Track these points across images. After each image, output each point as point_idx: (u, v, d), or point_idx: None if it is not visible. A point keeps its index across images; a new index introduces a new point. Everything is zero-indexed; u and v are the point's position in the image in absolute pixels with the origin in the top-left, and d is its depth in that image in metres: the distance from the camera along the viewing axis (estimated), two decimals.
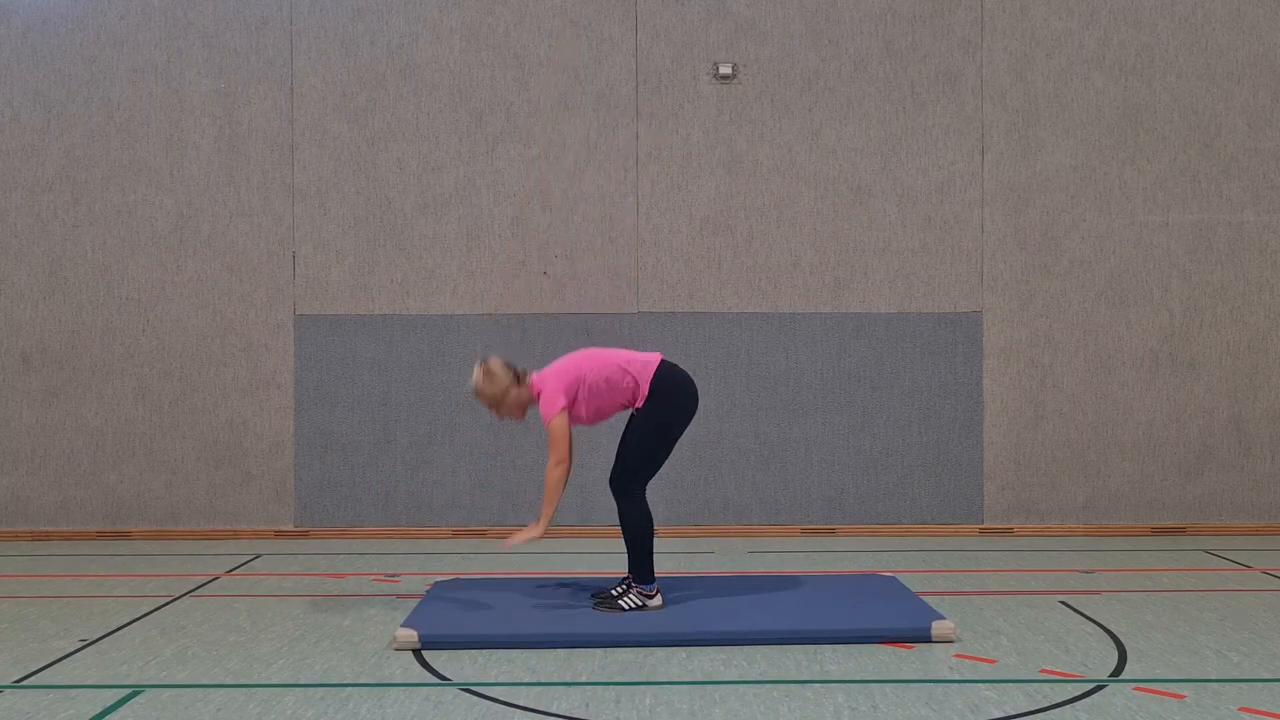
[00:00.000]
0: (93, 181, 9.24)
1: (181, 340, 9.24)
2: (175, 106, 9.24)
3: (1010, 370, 9.25)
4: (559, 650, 5.56)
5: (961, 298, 9.25)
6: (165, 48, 9.24)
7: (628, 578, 6.25)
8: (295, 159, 9.25)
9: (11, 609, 6.67)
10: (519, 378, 6.18)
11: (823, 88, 9.26)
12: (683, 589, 6.62)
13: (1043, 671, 5.22)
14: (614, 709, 4.70)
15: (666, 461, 6.37)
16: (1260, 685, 5.01)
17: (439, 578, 7.20)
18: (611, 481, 6.29)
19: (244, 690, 5.03)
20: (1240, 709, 4.66)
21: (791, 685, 5.00)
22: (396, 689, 5.01)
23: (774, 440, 9.22)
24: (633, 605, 6.14)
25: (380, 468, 9.22)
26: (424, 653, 5.55)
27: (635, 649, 5.58)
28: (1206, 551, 8.40)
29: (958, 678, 5.12)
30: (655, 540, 6.26)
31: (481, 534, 8.97)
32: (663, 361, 6.28)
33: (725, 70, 9.19)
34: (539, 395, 6.11)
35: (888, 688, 4.96)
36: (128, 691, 5.01)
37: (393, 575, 7.61)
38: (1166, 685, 5.00)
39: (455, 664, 5.37)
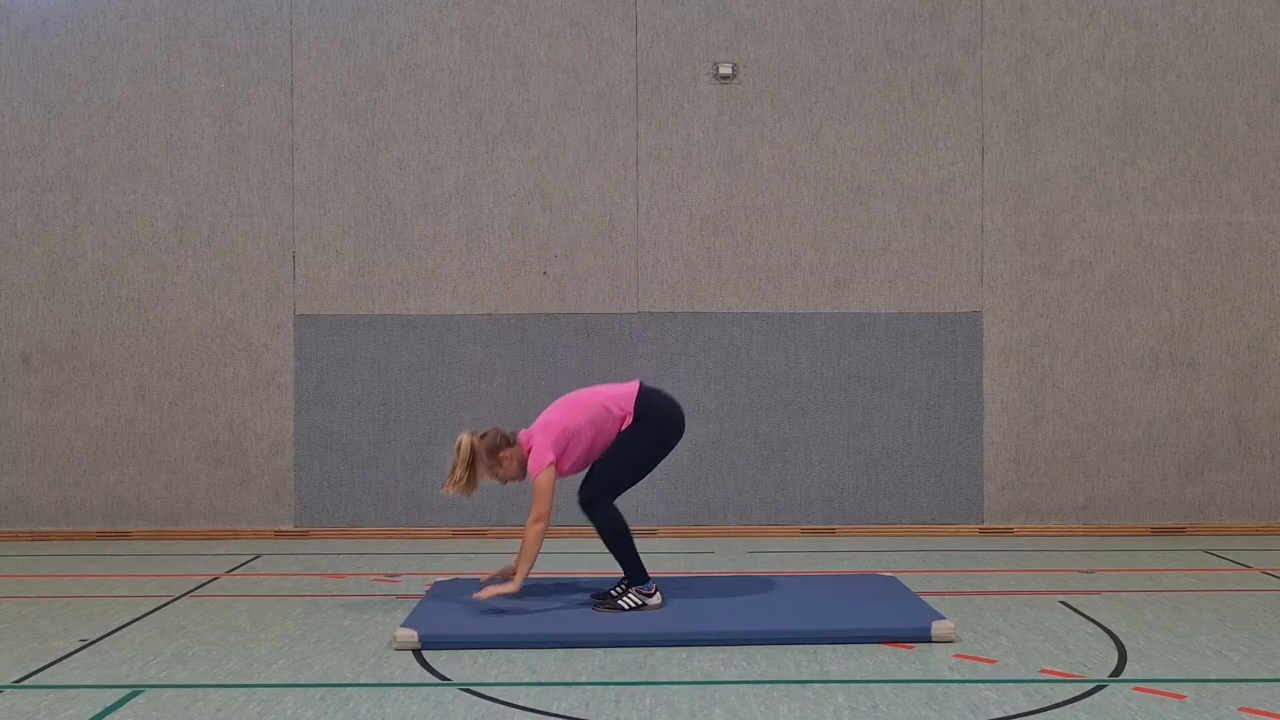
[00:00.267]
0: (93, 181, 9.24)
1: (181, 340, 9.24)
2: (175, 106, 9.24)
3: (1010, 370, 9.25)
4: (559, 650, 5.55)
5: (961, 298, 9.25)
6: (165, 48, 9.24)
7: (625, 579, 6.25)
8: (295, 159, 9.25)
9: (11, 609, 6.67)
10: (508, 441, 6.22)
11: (823, 88, 9.26)
12: (683, 589, 6.62)
13: (1043, 671, 5.22)
14: (614, 709, 4.70)
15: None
16: (1260, 685, 5.01)
17: (439, 578, 7.20)
18: (581, 497, 6.27)
19: (244, 690, 5.03)
20: (1240, 709, 4.66)
21: (791, 685, 5.00)
22: (396, 689, 5.01)
23: (774, 440, 9.22)
24: (632, 605, 6.14)
25: (380, 468, 9.22)
26: (424, 653, 5.55)
27: (635, 649, 5.58)
28: (1206, 551, 8.40)
29: (958, 678, 5.12)
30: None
31: (481, 534, 8.97)
32: (642, 386, 6.36)
33: (725, 70, 9.19)
34: (529, 452, 6.15)
35: (888, 688, 4.96)
36: (128, 691, 5.01)
37: (393, 575, 7.61)
38: (1166, 685, 5.00)
39: (455, 664, 5.36)
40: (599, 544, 6.11)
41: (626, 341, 9.21)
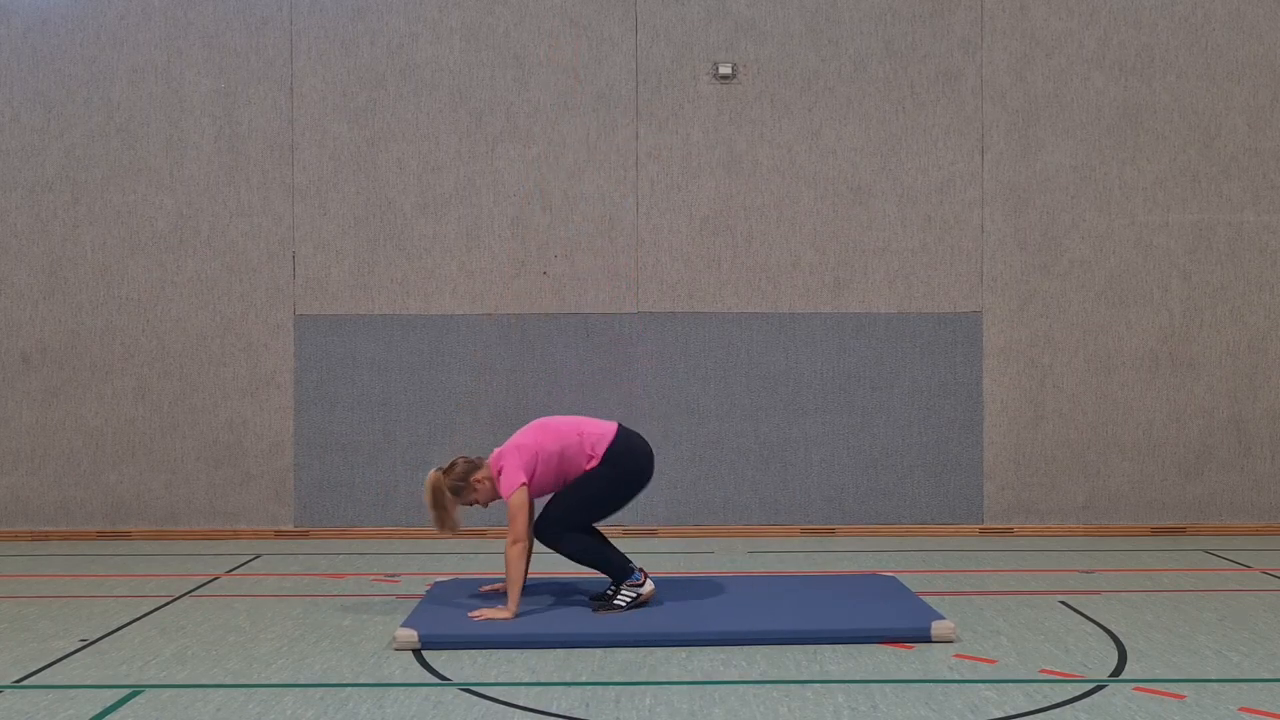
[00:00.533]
0: (93, 181, 9.24)
1: (181, 340, 9.24)
2: (175, 106, 9.24)
3: (1010, 370, 9.25)
4: (558, 650, 5.55)
5: (961, 298, 9.25)
6: (165, 48, 9.24)
7: (611, 581, 6.26)
8: (295, 159, 9.25)
9: (11, 609, 6.67)
10: (475, 465, 6.23)
11: (822, 88, 9.26)
12: (683, 589, 6.61)
13: (1043, 671, 5.22)
14: (614, 709, 4.70)
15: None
16: (1260, 685, 5.01)
17: (439, 578, 7.19)
18: (539, 532, 6.24)
19: (244, 690, 5.03)
20: (1240, 709, 4.66)
21: (791, 685, 5.00)
22: (396, 689, 5.01)
23: (774, 440, 9.22)
24: (628, 600, 6.15)
25: (380, 468, 9.22)
26: (424, 653, 5.55)
27: (635, 649, 5.58)
28: (1206, 551, 8.40)
29: (958, 678, 5.12)
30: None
31: (481, 534, 8.97)
32: (620, 429, 6.33)
33: (725, 70, 9.19)
34: (499, 473, 6.15)
35: (888, 688, 4.96)
36: (128, 691, 5.01)
37: (393, 575, 7.61)
38: (1166, 685, 5.00)
39: (455, 664, 5.37)
40: None
41: (626, 341, 9.21)
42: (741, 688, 4.97)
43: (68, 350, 9.22)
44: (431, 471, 6.24)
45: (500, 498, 6.24)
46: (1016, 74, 9.25)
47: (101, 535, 9.21)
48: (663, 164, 9.25)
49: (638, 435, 6.42)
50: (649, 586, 6.21)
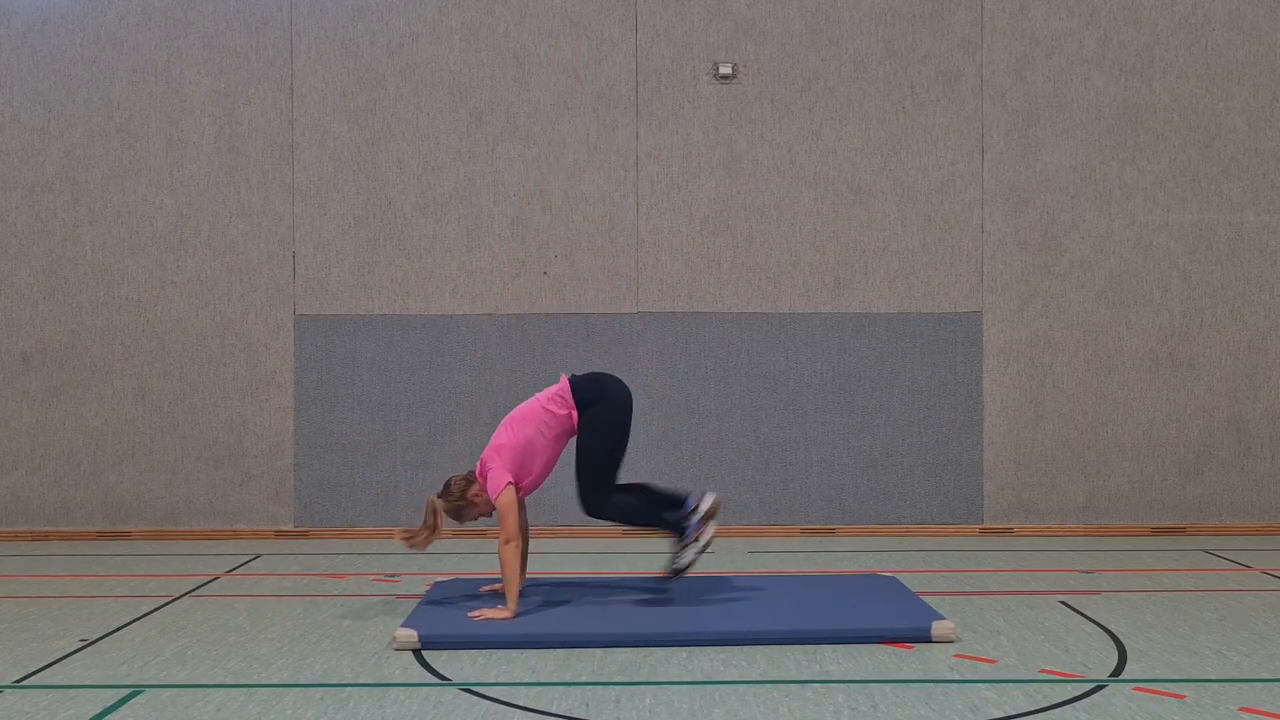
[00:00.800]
0: (93, 181, 9.24)
1: (181, 340, 9.24)
2: (175, 106, 9.24)
3: (1010, 370, 9.25)
4: (558, 650, 5.55)
5: (961, 298, 9.25)
6: (165, 48, 9.24)
7: (671, 541, 6.28)
8: (295, 159, 9.25)
9: (11, 609, 6.67)
10: (468, 480, 6.30)
11: (822, 88, 9.26)
12: (683, 589, 6.61)
13: (1043, 671, 5.22)
14: (614, 709, 4.70)
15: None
16: (1260, 685, 5.01)
17: (439, 578, 7.20)
18: (584, 508, 6.30)
19: (244, 690, 5.03)
20: (1240, 709, 4.66)
21: (791, 685, 5.00)
22: (396, 689, 5.01)
23: (774, 440, 9.22)
24: (693, 556, 6.20)
25: (380, 468, 9.23)
26: (424, 653, 5.55)
27: (635, 649, 5.58)
28: (1206, 551, 8.40)
29: (958, 678, 5.12)
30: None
31: (482, 534, 8.96)
32: (572, 377, 6.36)
33: (725, 70, 9.19)
34: (484, 478, 6.17)
35: (888, 688, 4.96)
36: (128, 691, 5.01)
37: (393, 575, 7.61)
38: (1166, 685, 5.00)
39: (455, 664, 5.37)
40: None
41: (626, 341, 9.21)
42: (741, 688, 4.98)
43: (68, 350, 9.22)
44: (430, 496, 6.32)
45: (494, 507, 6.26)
46: (1016, 74, 9.25)
47: (101, 535, 9.21)
48: (663, 164, 9.25)
49: (591, 372, 6.49)
50: (708, 533, 6.23)
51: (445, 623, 5.88)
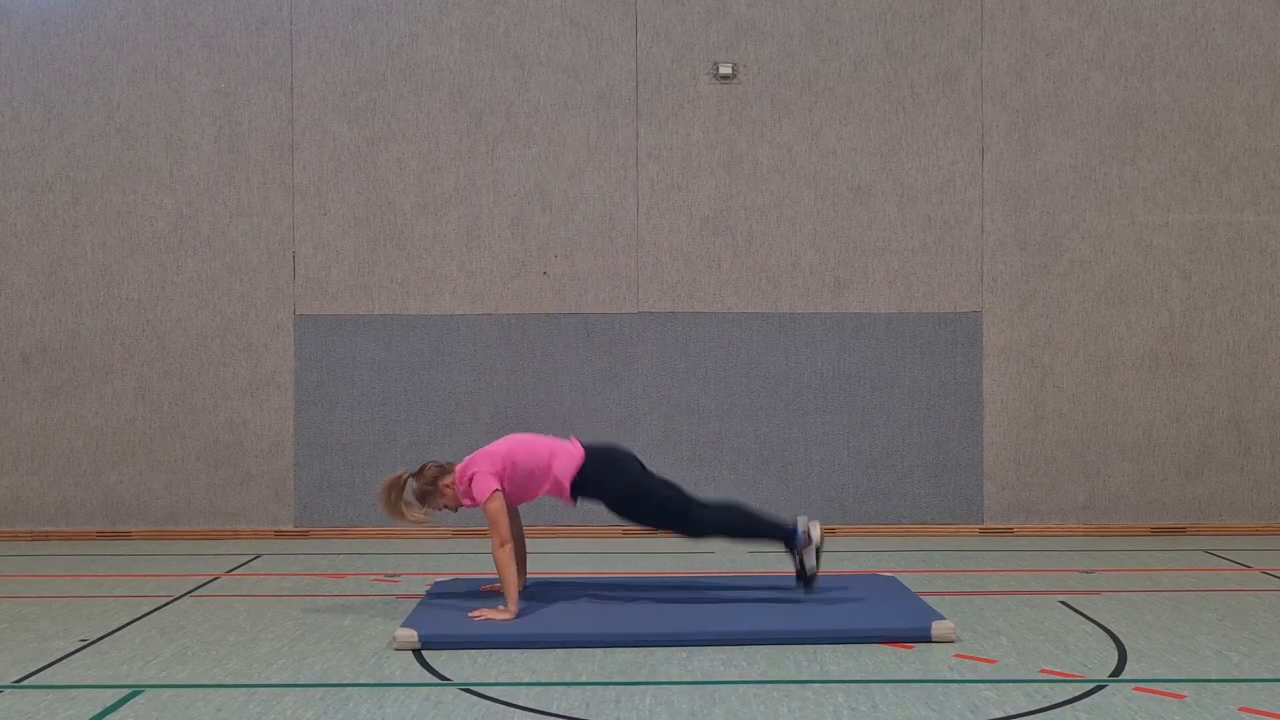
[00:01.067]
0: (93, 181, 9.24)
1: (181, 340, 9.24)
2: (175, 106, 9.24)
3: (1010, 370, 9.25)
4: (559, 650, 5.55)
5: (961, 298, 9.25)
6: (165, 48, 9.24)
7: (789, 552, 6.33)
8: (295, 159, 9.25)
9: (11, 609, 6.67)
10: (444, 470, 6.27)
11: (823, 88, 9.26)
12: (683, 589, 6.62)
13: (1043, 671, 5.22)
14: (614, 709, 4.70)
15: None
16: (1260, 685, 5.01)
17: (439, 578, 7.20)
18: (688, 537, 6.39)
19: (244, 690, 5.03)
20: (1240, 709, 4.66)
21: (791, 685, 5.00)
22: (396, 689, 5.01)
23: (774, 440, 9.22)
24: (814, 561, 6.26)
25: (380, 468, 9.18)
26: (424, 653, 5.55)
27: (635, 649, 5.57)
28: (1206, 551, 8.40)
29: (958, 678, 5.12)
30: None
31: (482, 534, 8.96)
32: (586, 455, 6.28)
33: (725, 70, 9.19)
34: (470, 480, 6.16)
35: (888, 688, 4.96)
36: (128, 691, 5.01)
37: (393, 575, 7.61)
38: (1166, 685, 5.00)
39: (455, 664, 5.36)
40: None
41: (626, 341, 9.21)
42: (741, 688, 4.97)
43: (68, 350, 9.22)
44: (394, 473, 6.27)
45: (465, 505, 6.26)
46: (1016, 74, 9.25)
47: (101, 535, 9.21)
48: (663, 164, 9.25)
49: (596, 445, 6.46)
50: (815, 532, 6.28)
51: (445, 623, 5.88)
